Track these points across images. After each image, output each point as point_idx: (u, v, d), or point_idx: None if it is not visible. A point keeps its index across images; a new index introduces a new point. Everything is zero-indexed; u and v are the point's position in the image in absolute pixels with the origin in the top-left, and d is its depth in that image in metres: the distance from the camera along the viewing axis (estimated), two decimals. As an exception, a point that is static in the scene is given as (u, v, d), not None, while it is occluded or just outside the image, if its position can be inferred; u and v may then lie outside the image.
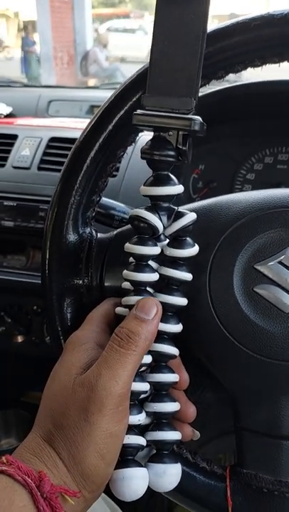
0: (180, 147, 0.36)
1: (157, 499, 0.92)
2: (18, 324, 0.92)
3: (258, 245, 0.38)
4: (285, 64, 0.41)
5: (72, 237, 0.44)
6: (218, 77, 0.42)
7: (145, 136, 0.38)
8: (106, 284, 0.43)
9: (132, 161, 0.82)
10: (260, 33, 0.39)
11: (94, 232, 0.45)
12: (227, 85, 0.70)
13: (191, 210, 0.40)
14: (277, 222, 0.39)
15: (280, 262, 0.38)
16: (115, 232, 0.45)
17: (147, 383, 0.38)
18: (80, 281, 0.44)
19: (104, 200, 0.58)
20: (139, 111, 0.37)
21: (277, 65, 0.41)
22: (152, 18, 0.37)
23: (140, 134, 0.48)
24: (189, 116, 0.36)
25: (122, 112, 0.42)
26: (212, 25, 0.40)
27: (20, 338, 0.93)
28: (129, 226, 0.45)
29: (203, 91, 0.65)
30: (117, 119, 0.43)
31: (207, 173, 0.82)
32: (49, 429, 0.34)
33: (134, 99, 0.42)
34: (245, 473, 0.39)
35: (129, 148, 0.46)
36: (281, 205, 0.39)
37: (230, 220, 0.40)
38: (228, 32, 0.39)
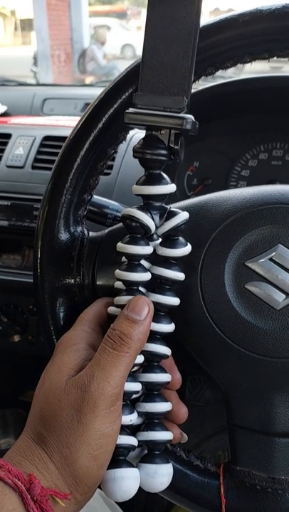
0: (172, 146, 0.36)
1: (156, 497, 0.92)
2: (15, 323, 0.92)
3: (249, 242, 0.38)
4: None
5: (63, 236, 0.43)
6: (207, 73, 0.42)
7: (139, 134, 0.38)
8: (98, 283, 0.43)
9: (126, 159, 0.82)
10: (249, 28, 0.39)
11: (85, 230, 0.45)
12: (220, 81, 0.70)
13: (182, 208, 0.39)
14: (268, 218, 0.38)
15: (271, 259, 0.37)
16: (107, 230, 0.45)
17: (139, 383, 0.38)
18: (72, 281, 0.43)
19: (98, 198, 0.58)
20: (130, 109, 0.36)
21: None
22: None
23: (133, 133, 0.48)
24: (181, 115, 0.35)
25: (112, 110, 0.42)
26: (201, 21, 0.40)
27: (16, 338, 0.93)
28: (120, 225, 0.45)
29: (196, 87, 0.65)
30: (107, 116, 0.42)
31: (202, 170, 0.82)
32: (40, 431, 0.34)
33: (124, 96, 0.42)
34: (239, 471, 0.39)
35: (123, 147, 0.46)
36: (271, 201, 0.39)
37: (220, 218, 0.40)
38: (216, 28, 0.39)
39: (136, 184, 0.38)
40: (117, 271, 0.38)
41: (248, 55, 0.40)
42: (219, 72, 0.43)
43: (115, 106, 0.42)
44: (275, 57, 0.40)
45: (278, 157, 0.79)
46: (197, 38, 0.35)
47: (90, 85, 1.69)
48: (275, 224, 0.38)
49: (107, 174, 0.81)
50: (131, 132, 0.46)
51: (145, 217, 0.37)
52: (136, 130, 0.45)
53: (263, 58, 0.40)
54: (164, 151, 0.37)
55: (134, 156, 0.38)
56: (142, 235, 0.38)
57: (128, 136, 0.46)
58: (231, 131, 0.80)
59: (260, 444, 0.38)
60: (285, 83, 0.69)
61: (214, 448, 0.94)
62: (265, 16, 0.38)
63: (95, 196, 0.48)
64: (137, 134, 0.76)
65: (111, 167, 0.82)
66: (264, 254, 0.38)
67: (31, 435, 0.34)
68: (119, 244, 0.38)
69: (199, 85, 0.67)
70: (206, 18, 0.40)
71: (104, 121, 0.42)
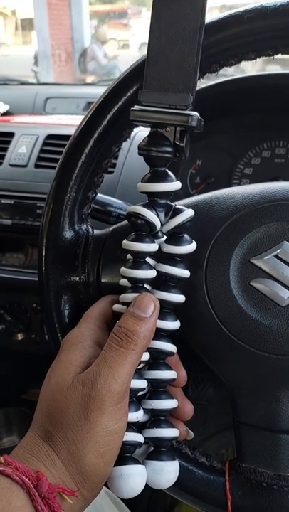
0: (177, 143, 0.36)
1: (159, 495, 0.92)
2: (18, 322, 0.92)
3: (254, 239, 0.38)
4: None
5: (68, 233, 0.43)
6: (212, 70, 0.42)
7: (142, 133, 0.38)
8: (103, 281, 0.43)
9: (129, 157, 0.82)
10: (253, 25, 0.39)
11: (90, 228, 0.45)
12: (223, 79, 0.70)
13: (187, 206, 0.39)
14: (273, 215, 0.38)
15: (276, 256, 0.37)
16: (111, 228, 0.45)
17: (145, 380, 0.38)
18: (77, 278, 0.43)
19: (101, 196, 0.58)
20: (136, 106, 0.36)
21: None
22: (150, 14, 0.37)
23: (136, 130, 0.48)
24: (187, 112, 0.35)
25: (116, 107, 0.42)
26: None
27: (20, 336, 0.93)
28: (125, 222, 0.45)
29: (199, 85, 0.65)
30: (111, 114, 0.42)
31: (205, 169, 0.82)
32: (47, 428, 0.34)
33: (129, 94, 0.42)
34: (244, 468, 0.39)
35: (126, 145, 0.46)
36: (276, 198, 0.39)
37: (225, 215, 0.40)
38: (221, 25, 0.39)
39: (141, 181, 0.38)
40: (123, 268, 0.38)
41: (253, 52, 0.40)
42: (221, 71, 0.43)
43: (120, 103, 0.42)
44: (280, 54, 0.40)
45: (281, 155, 0.79)
46: (202, 34, 0.35)
47: (92, 84, 1.69)
48: (280, 221, 0.38)
49: (111, 172, 0.81)
50: (134, 130, 0.46)
51: (150, 215, 0.37)
52: (139, 128, 0.45)
53: (268, 55, 0.40)
54: (169, 149, 0.37)
55: (140, 154, 0.38)
56: (148, 232, 0.38)
57: (131, 134, 0.46)
58: (234, 129, 0.80)
59: (266, 441, 0.38)
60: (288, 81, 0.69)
61: (217, 446, 0.94)
62: (270, 12, 0.38)
63: (98, 194, 0.48)
64: (140, 132, 0.76)
65: (114, 165, 0.82)
66: (269, 251, 0.38)
67: (38, 432, 0.34)
68: (125, 242, 0.38)
69: (202, 83, 0.66)
70: (213, 15, 0.40)
71: (108, 119, 0.42)
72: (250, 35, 0.39)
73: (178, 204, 0.39)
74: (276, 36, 0.39)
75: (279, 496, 0.37)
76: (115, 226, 0.45)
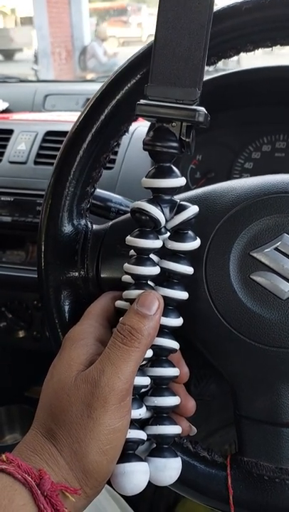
0: (183, 138, 0.36)
1: (163, 492, 0.92)
2: (19, 319, 0.92)
3: (254, 232, 0.38)
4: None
5: (67, 228, 0.43)
6: (210, 63, 0.42)
7: (142, 128, 0.37)
8: (102, 276, 0.43)
9: (128, 153, 0.81)
10: (251, 16, 0.38)
11: (89, 223, 0.45)
12: (222, 73, 0.70)
13: (186, 200, 0.39)
14: (273, 208, 0.38)
15: (277, 249, 0.37)
16: (110, 223, 0.45)
17: (148, 377, 0.38)
18: (76, 274, 0.43)
19: (101, 191, 0.58)
20: (142, 101, 0.36)
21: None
22: (149, 11, 0.36)
23: (136, 125, 0.47)
24: (194, 107, 0.35)
25: (114, 102, 0.42)
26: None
27: (21, 333, 0.93)
28: (124, 217, 0.45)
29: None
30: (108, 108, 0.42)
31: (205, 164, 0.82)
32: (50, 426, 0.34)
33: (126, 88, 0.42)
34: (246, 462, 0.38)
35: (125, 141, 0.45)
36: (276, 190, 0.39)
37: (225, 208, 0.39)
38: (219, 17, 0.39)
39: (145, 177, 0.38)
40: (126, 264, 0.38)
41: (251, 44, 0.40)
42: (220, 65, 0.43)
43: (117, 97, 0.42)
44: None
45: (282, 149, 0.79)
46: (210, 28, 0.35)
47: (92, 81, 1.69)
48: (280, 213, 0.38)
49: (110, 168, 0.80)
50: (133, 126, 0.46)
51: (155, 211, 0.36)
52: (138, 123, 0.44)
53: (266, 46, 0.40)
54: (175, 144, 0.36)
55: (144, 149, 0.37)
56: (152, 228, 0.37)
57: (131, 130, 0.45)
58: (234, 124, 0.80)
59: (267, 434, 0.38)
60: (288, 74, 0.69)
61: (220, 442, 0.93)
62: (268, 3, 0.37)
63: (98, 190, 0.47)
64: (139, 128, 0.76)
65: (114, 161, 0.81)
66: (269, 243, 0.38)
67: (40, 430, 0.34)
68: (129, 238, 0.37)
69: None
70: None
71: (106, 113, 0.42)
72: (248, 26, 0.39)
73: (177, 198, 0.39)
74: (274, 27, 0.39)
75: (281, 489, 0.37)
76: (114, 221, 0.45)
